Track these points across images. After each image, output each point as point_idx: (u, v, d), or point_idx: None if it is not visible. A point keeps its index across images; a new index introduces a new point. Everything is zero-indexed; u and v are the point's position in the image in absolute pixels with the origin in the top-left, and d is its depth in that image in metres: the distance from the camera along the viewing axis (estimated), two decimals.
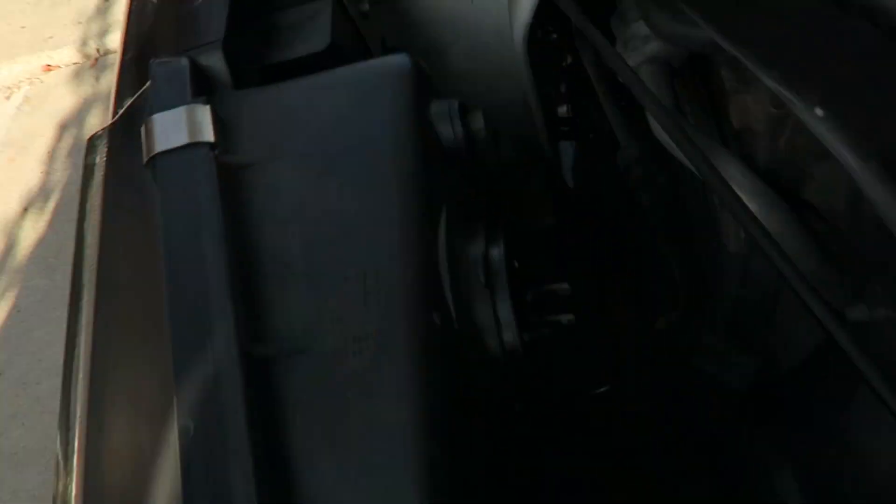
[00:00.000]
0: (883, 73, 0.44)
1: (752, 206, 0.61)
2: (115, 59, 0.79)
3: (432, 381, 0.46)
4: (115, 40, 2.76)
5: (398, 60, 0.59)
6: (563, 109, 1.77)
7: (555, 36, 1.91)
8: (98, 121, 2.57)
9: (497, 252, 0.55)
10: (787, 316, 0.74)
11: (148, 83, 0.62)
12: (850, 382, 0.65)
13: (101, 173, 0.67)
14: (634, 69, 0.75)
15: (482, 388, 0.52)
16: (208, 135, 0.57)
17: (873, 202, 0.43)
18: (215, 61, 0.62)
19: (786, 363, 0.76)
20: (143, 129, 0.58)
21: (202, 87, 0.60)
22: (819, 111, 0.45)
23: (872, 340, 0.56)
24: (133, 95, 0.67)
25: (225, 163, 0.56)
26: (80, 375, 0.58)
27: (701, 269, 1.08)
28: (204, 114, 0.58)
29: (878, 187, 0.42)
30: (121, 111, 0.69)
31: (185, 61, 0.60)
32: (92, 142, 0.72)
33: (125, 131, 0.67)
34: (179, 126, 0.58)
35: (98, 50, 2.89)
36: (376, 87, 0.58)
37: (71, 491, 0.53)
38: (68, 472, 0.54)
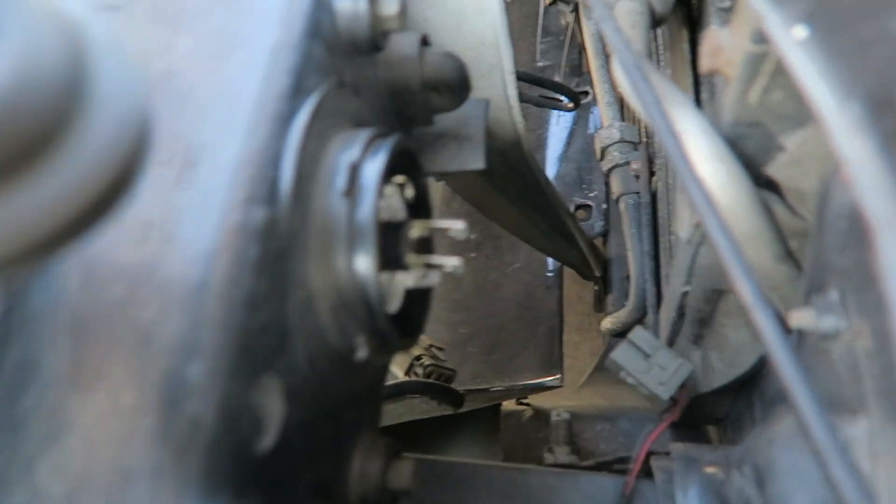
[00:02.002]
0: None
1: (709, 172, 0.50)
2: None
3: (233, 296, 0.34)
4: None
5: None
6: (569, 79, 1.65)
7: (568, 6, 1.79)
8: None
9: (374, 166, 0.43)
10: (728, 320, 0.63)
11: None
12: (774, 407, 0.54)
13: None
14: (611, 3, 0.64)
15: (320, 325, 0.41)
16: None
17: (843, 160, 0.32)
18: None
19: (718, 376, 0.66)
20: None
21: None
22: (800, 31, 0.34)
23: (811, 353, 0.45)
24: None
25: None
26: None
27: (657, 267, 0.98)
28: None
29: (856, 136, 0.31)
30: None
31: None
32: None
33: None
34: None
35: None
36: None
37: None
38: None
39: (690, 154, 0.47)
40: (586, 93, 1.61)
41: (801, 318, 0.45)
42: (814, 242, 0.49)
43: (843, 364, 0.44)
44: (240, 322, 0.34)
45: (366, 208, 0.42)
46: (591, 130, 1.62)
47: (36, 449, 0.31)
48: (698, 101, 0.64)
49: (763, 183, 0.52)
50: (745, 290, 0.40)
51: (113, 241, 0.36)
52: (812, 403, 0.34)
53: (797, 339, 0.50)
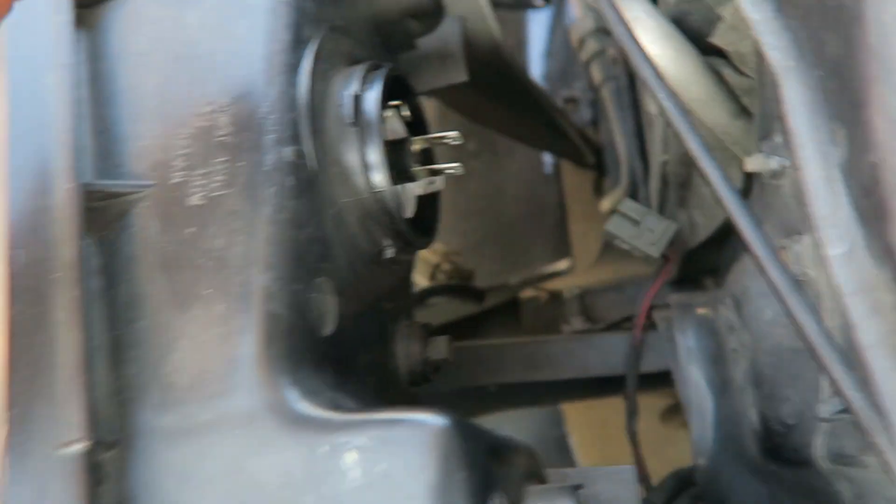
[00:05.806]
0: None
1: (658, 50, 0.57)
2: None
3: (281, 219, 0.43)
4: None
5: None
6: None
7: None
8: None
9: (372, 95, 0.51)
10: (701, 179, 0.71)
11: None
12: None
13: None
14: None
15: (351, 233, 0.50)
16: None
17: (751, 21, 0.39)
18: None
19: (702, 230, 0.74)
20: None
21: None
22: None
23: (768, 190, 0.53)
24: None
25: None
26: None
27: (642, 144, 1.05)
28: None
29: (758, 3, 0.38)
30: None
31: None
32: None
33: None
34: None
35: None
36: None
37: None
38: None
39: (640, 37, 0.54)
40: None
41: (752, 162, 0.53)
42: (758, 96, 0.56)
43: (790, 195, 0.52)
44: (290, 238, 0.43)
45: (371, 132, 0.50)
46: (568, 22, 1.66)
47: (158, 356, 0.41)
48: None
49: (711, 51, 0.59)
50: (698, 153, 0.48)
51: (182, 187, 0.44)
52: (762, 243, 0.42)
53: (757, 184, 0.58)
